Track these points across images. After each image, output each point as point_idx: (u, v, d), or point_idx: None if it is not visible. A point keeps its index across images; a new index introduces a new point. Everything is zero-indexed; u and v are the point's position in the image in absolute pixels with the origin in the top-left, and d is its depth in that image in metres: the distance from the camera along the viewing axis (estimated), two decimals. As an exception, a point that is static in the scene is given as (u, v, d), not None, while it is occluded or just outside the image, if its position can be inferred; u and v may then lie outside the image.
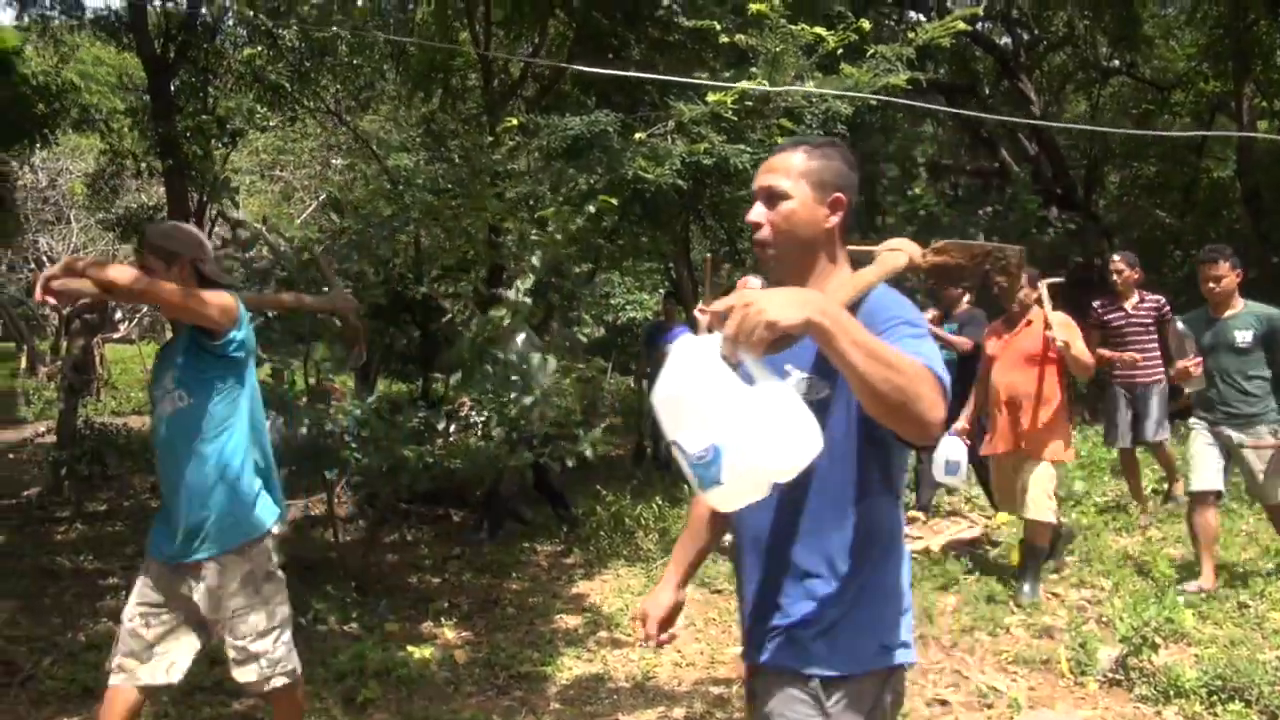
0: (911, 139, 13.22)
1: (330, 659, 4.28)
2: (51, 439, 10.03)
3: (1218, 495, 5.07)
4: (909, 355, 1.47)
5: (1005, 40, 15.53)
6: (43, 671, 4.16)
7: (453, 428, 7.00)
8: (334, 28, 7.33)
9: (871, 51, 6.26)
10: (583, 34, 7.71)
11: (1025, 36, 15.37)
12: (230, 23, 8.69)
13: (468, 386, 7.30)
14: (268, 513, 2.97)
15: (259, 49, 8.83)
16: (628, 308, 15.81)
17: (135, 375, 17.89)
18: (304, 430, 5.31)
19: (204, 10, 8.03)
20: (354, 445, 5.25)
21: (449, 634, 4.79)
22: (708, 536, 2.09)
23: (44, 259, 19.10)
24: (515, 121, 6.33)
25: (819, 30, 5.87)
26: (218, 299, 2.80)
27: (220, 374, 2.86)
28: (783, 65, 5.86)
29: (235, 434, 2.87)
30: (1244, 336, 5.00)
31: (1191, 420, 5.24)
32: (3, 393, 16.90)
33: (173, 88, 8.69)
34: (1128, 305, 6.48)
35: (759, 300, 1.37)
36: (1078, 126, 13.39)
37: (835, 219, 1.75)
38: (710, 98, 5.48)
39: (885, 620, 1.75)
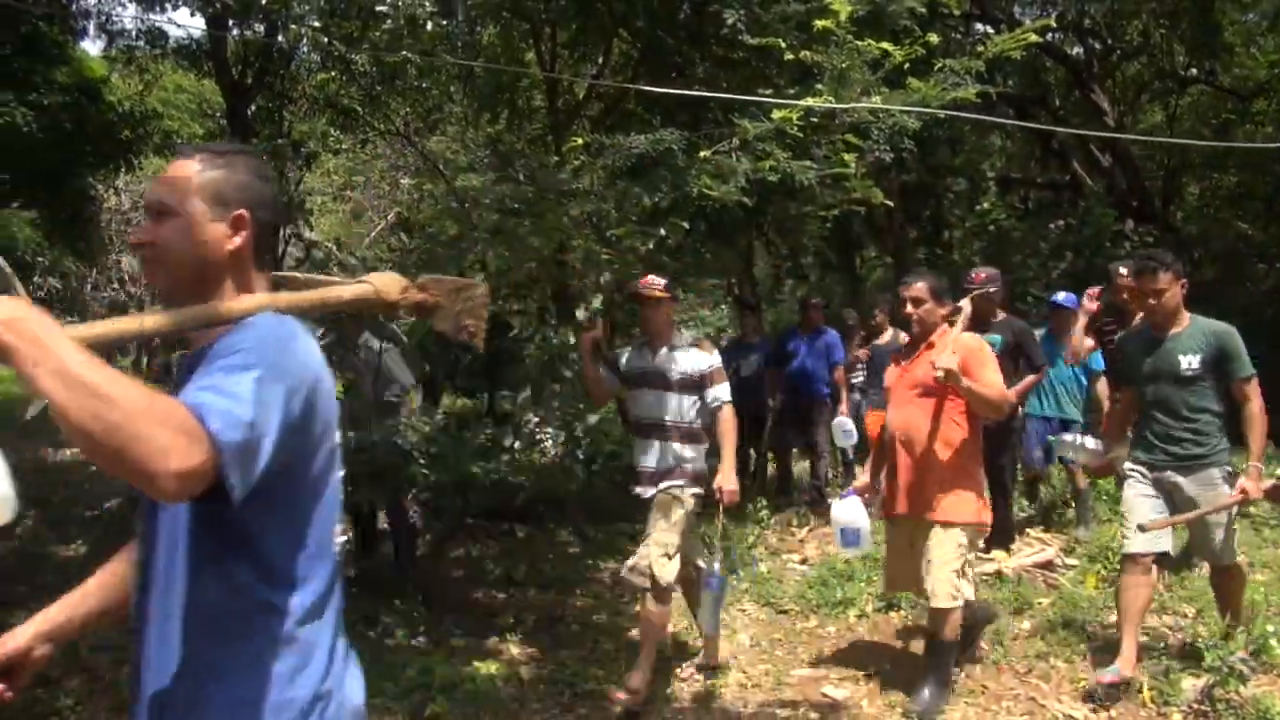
0: (980, 152, 13.00)
1: (398, 673, 4.33)
2: (133, 452, 10.35)
3: (1160, 558, 4.11)
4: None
5: (1077, 50, 15.21)
6: (122, 680, 4.28)
7: (517, 444, 7.08)
8: (404, 52, 7.48)
9: (939, 65, 6.18)
10: (647, 53, 7.75)
11: (1098, 46, 15.03)
12: (305, 49, 8.96)
13: (535, 404, 7.39)
14: None
15: (332, 74, 9.08)
16: (690, 324, 15.83)
17: (212, 391, 18.44)
18: (373, 445, 5.42)
19: (280, 38, 8.28)
20: (423, 461, 5.33)
21: (514, 650, 4.81)
22: (97, 596, 1.70)
23: (126, 278, 19.83)
24: (580, 141, 6.38)
25: (885, 45, 5.81)
26: None
27: None
28: (849, 81, 5.81)
29: None
30: (1189, 362, 4.06)
31: (1127, 465, 4.28)
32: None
33: (250, 113, 8.97)
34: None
35: None
36: (1154, 139, 13.04)
37: (238, 239, 1.50)
38: (775, 115, 5.46)
39: None
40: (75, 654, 4.51)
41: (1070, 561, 6.01)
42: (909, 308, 4.12)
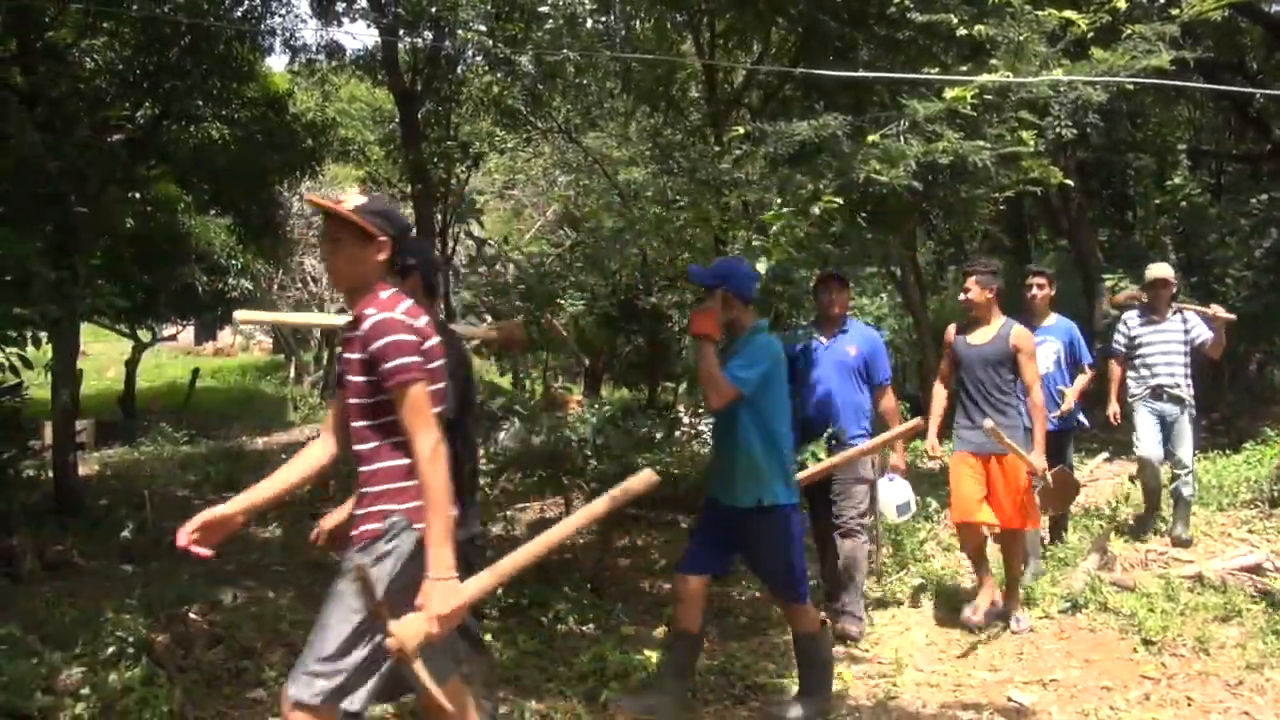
0: (1167, 125, 12.05)
1: (571, 659, 4.42)
2: (318, 442, 11.02)
3: None
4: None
5: (1277, 8, 13.90)
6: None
7: (677, 434, 7.11)
8: (565, 50, 7.63)
9: (1128, 32, 5.76)
10: (807, 38, 7.60)
11: (1303, 2, 13.67)
12: (471, 53, 9.29)
13: (690, 395, 7.41)
14: None
15: (497, 76, 9.36)
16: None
17: (385, 384, 19.52)
18: (541, 438, 5.55)
19: (447, 43, 8.61)
20: (590, 452, 5.42)
21: (683, 640, 4.82)
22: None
23: (309, 278, 21.12)
24: (741, 130, 6.32)
25: (1068, 14, 5.47)
26: None
27: None
28: (1026, 54, 5.51)
29: None
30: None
31: None
32: (273, 400, 18.85)
33: (419, 117, 9.36)
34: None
35: None
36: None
37: None
38: (948, 93, 5.24)
39: None
40: (277, 629, 4.83)
41: (1283, 565, 5.51)
42: None
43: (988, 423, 4.59)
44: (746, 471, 3.66)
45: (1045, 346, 5.59)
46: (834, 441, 4.83)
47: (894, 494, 5.03)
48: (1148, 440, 6.08)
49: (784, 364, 3.76)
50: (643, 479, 2.95)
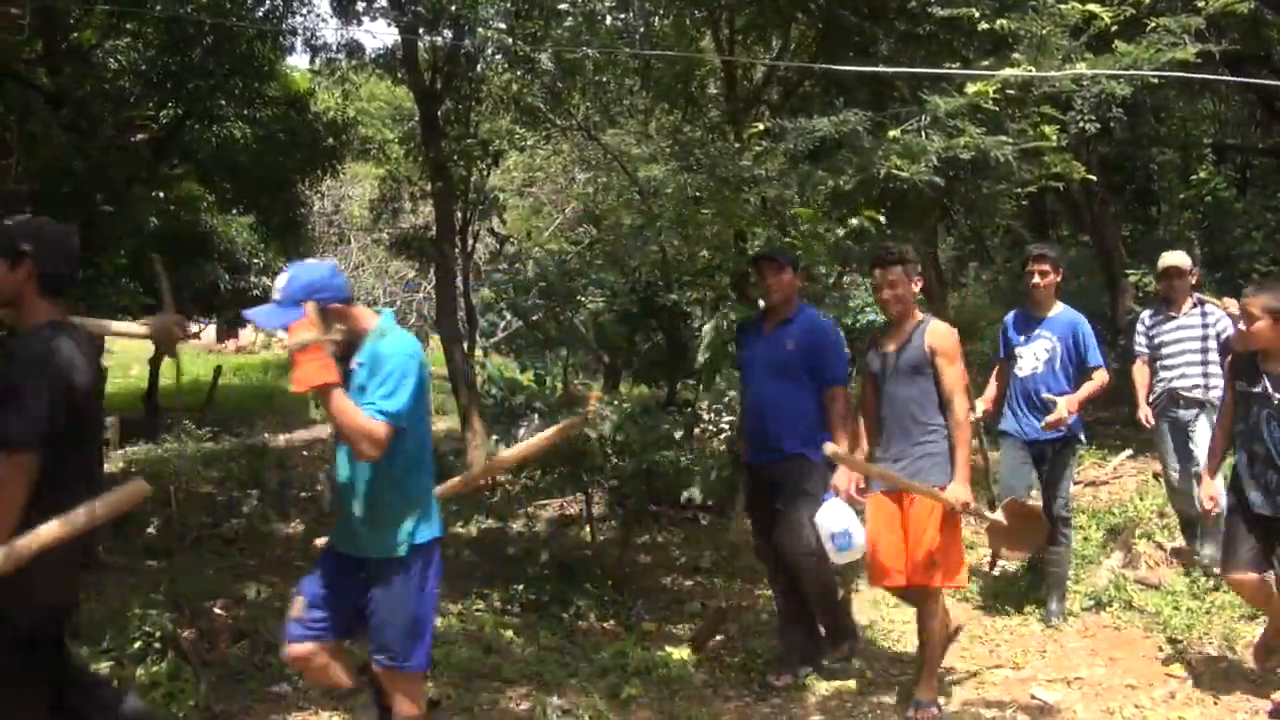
0: (1192, 119, 11.93)
1: (593, 655, 4.44)
2: (339, 439, 11.09)
3: None
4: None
5: (1305, 0, 13.70)
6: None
7: (697, 430, 7.12)
8: (584, 48, 7.64)
9: (1152, 25, 5.71)
10: (827, 33, 7.58)
11: (1330, -7, 13.48)
12: (490, 51, 9.30)
13: (706, 392, 7.42)
14: None
15: (516, 74, 9.38)
16: (866, 310, 15.38)
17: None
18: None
19: (467, 42, 8.61)
20: (610, 449, 5.43)
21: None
22: None
23: (329, 277, 21.26)
24: (761, 126, 6.31)
25: (1091, 7, 5.42)
26: None
27: None
28: (1048, 48, 5.47)
29: None
30: None
31: None
32: (295, 397, 18.99)
33: (439, 115, 9.39)
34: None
35: None
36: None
37: None
38: (970, 88, 5.20)
39: None
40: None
41: (1310, 564, 5.44)
42: None
43: (829, 447, 3.70)
44: (398, 511, 2.83)
45: (1036, 344, 4.90)
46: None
47: (829, 519, 3.86)
48: (1173, 462, 5.55)
49: (424, 365, 2.85)
50: (132, 489, 2.60)
